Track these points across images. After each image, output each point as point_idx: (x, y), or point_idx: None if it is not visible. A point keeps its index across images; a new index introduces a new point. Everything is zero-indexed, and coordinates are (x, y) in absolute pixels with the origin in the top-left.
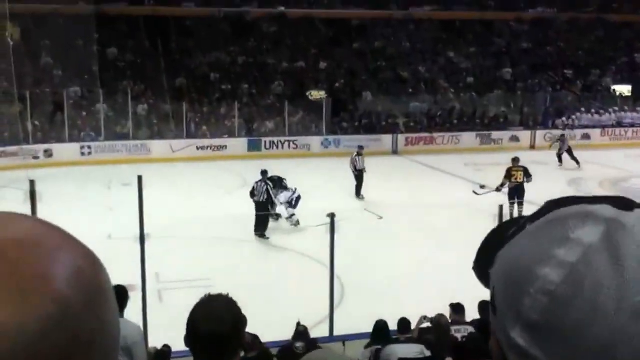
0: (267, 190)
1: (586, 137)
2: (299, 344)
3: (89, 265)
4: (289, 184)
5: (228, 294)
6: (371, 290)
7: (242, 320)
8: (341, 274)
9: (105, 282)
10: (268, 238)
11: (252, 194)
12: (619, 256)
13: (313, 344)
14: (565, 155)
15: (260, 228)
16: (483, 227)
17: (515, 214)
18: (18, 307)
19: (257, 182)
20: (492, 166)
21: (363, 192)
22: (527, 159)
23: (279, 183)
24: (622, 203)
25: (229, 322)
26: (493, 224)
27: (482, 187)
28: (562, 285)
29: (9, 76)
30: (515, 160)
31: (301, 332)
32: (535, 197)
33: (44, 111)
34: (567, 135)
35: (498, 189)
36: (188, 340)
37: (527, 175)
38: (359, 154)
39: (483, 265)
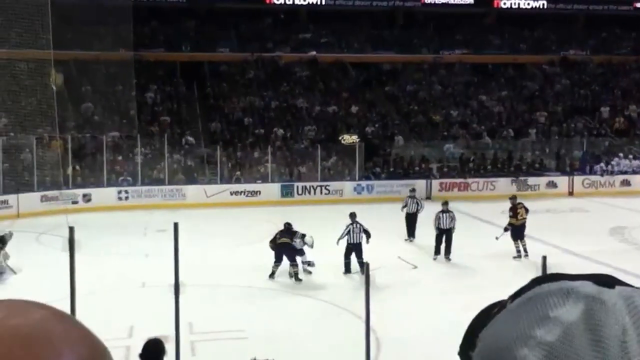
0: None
1: (626, 183)
2: None
3: (98, 355)
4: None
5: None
6: (407, 345)
7: None
8: (376, 326)
9: None
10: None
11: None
12: (601, 337)
13: None
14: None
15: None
16: (525, 279)
17: (522, 251)
18: None
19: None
20: (531, 214)
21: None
22: (565, 206)
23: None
24: (604, 280)
25: None
26: (536, 275)
27: (507, 229)
28: None
29: (51, 121)
30: (515, 197)
31: None
32: (577, 248)
33: (84, 155)
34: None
35: (506, 229)
36: None
37: (527, 211)
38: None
39: (466, 349)
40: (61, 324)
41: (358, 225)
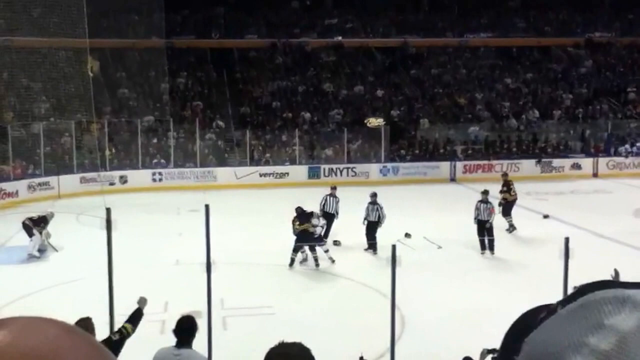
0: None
1: None
2: None
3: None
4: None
5: (301, 343)
6: (432, 324)
7: None
8: (401, 304)
9: None
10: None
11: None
12: None
13: None
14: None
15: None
16: (547, 260)
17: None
18: None
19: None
20: (555, 195)
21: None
22: (589, 187)
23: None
24: None
25: None
26: (559, 259)
27: (546, 216)
28: None
29: (89, 106)
30: (507, 174)
31: None
32: (601, 229)
33: (120, 139)
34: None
35: (501, 204)
36: None
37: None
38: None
39: (509, 352)
40: (78, 341)
41: (375, 206)
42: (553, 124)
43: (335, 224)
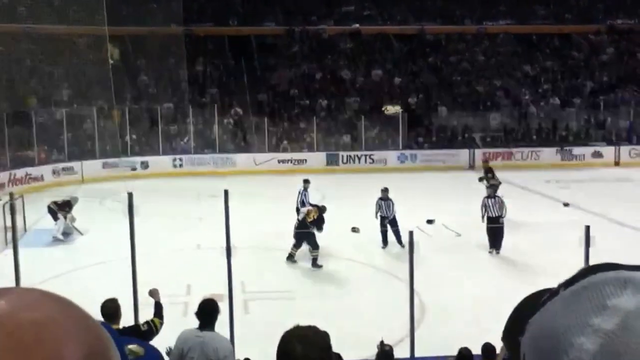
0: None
1: None
2: None
3: (101, 347)
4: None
5: (317, 327)
6: (451, 311)
7: (332, 354)
8: (420, 291)
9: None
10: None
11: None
12: None
13: None
14: None
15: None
16: (567, 248)
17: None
18: None
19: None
20: (576, 183)
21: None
22: (611, 175)
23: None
24: None
25: (326, 358)
26: (580, 247)
27: (566, 204)
28: (599, 355)
29: (109, 93)
30: (488, 161)
31: (387, 352)
32: (621, 217)
33: (141, 125)
34: None
35: (490, 189)
36: None
37: None
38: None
39: (513, 334)
40: (72, 311)
41: (387, 202)
42: (573, 112)
43: (352, 210)
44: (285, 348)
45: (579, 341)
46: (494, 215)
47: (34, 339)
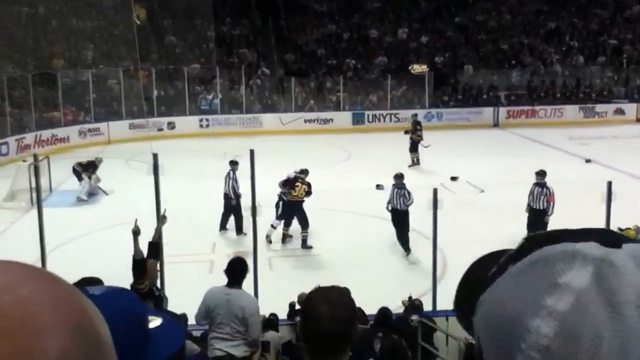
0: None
1: None
2: (414, 317)
3: (90, 320)
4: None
5: (339, 286)
6: None
7: (356, 316)
8: (443, 247)
9: (105, 337)
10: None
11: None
12: (616, 303)
13: (428, 318)
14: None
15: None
16: (589, 204)
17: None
18: None
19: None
20: (598, 140)
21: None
22: (632, 132)
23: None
24: (609, 239)
25: (351, 322)
26: (602, 202)
27: (588, 161)
28: (557, 339)
29: (135, 54)
30: (416, 115)
31: (417, 305)
32: None
33: (168, 86)
34: None
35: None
36: (304, 335)
37: None
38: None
39: (464, 309)
40: (58, 286)
41: (401, 191)
42: (597, 69)
43: (378, 167)
44: (310, 310)
45: (534, 324)
46: (538, 208)
47: (16, 319)
